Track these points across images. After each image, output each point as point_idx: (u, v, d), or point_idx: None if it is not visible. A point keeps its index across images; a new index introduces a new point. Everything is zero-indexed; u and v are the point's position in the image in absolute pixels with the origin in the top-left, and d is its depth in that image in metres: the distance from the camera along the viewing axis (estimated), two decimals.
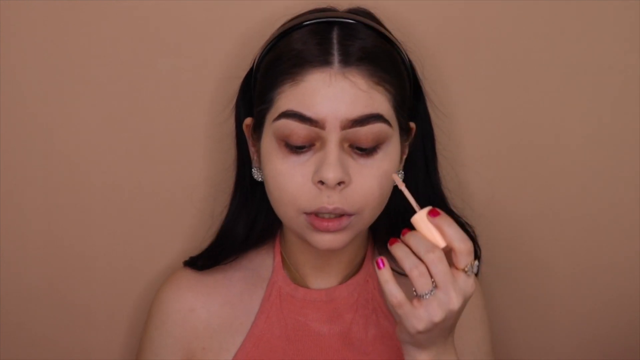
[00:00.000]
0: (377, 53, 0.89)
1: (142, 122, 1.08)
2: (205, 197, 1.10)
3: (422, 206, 0.84)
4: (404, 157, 0.96)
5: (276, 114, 0.88)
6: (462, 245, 0.81)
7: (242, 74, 0.99)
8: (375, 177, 0.88)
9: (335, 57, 0.86)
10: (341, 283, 0.99)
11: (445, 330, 0.83)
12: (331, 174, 0.85)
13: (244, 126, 0.97)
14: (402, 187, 0.85)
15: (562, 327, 1.18)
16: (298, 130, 0.86)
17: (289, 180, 0.87)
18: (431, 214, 0.82)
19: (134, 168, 1.09)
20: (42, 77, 1.06)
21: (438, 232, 0.82)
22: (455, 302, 0.80)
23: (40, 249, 1.11)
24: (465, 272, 0.81)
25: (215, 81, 1.07)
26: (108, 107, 1.07)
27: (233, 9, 1.05)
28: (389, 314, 0.99)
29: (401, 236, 0.83)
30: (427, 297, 0.80)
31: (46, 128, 1.07)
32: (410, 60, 0.95)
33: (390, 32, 0.94)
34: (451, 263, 0.82)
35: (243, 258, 1.01)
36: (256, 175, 0.96)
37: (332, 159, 0.85)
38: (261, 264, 1.01)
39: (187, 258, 1.03)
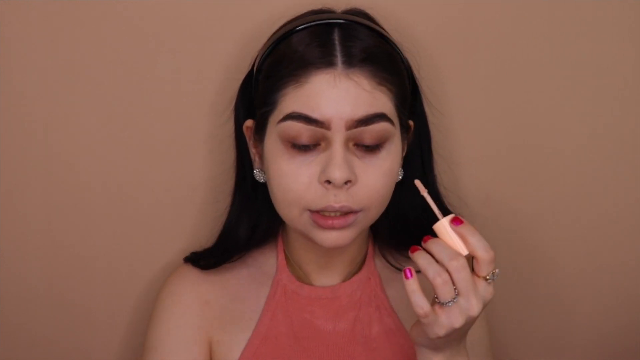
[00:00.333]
0: (378, 53, 0.90)
1: (143, 122, 1.08)
2: (206, 198, 1.10)
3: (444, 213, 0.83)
4: (404, 155, 0.97)
5: (280, 116, 0.88)
6: (485, 254, 0.81)
7: (244, 74, 0.99)
8: (380, 174, 0.89)
9: (339, 59, 0.87)
10: (344, 281, 1.00)
11: (462, 333, 0.84)
12: (338, 174, 0.86)
13: (244, 128, 0.98)
14: (425, 193, 0.84)
15: (560, 326, 1.19)
16: (304, 132, 0.87)
17: (295, 180, 0.88)
18: (454, 222, 0.82)
19: (135, 168, 1.09)
20: (42, 77, 1.05)
21: (460, 240, 0.82)
22: (475, 309, 0.80)
23: (40, 249, 1.10)
24: (487, 280, 0.82)
25: (216, 82, 1.06)
26: (109, 108, 1.07)
27: (234, 10, 1.05)
28: (391, 311, 1.00)
29: (422, 243, 0.82)
30: (450, 304, 0.80)
31: (47, 129, 1.07)
32: (407, 59, 0.96)
33: (387, 32, 0.95)
34: (471, 270, 0.82)
35: (247, 257, 1.02)
36: (258, 176, 0.96)
37: (338, 159, 0.86)
38: (265, 263, 1.02)
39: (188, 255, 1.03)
